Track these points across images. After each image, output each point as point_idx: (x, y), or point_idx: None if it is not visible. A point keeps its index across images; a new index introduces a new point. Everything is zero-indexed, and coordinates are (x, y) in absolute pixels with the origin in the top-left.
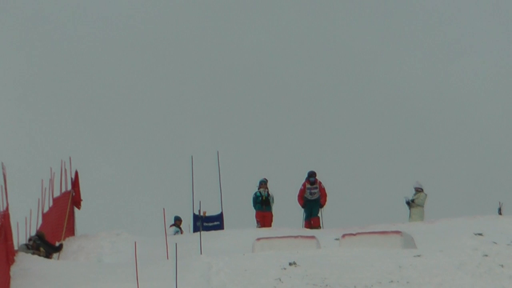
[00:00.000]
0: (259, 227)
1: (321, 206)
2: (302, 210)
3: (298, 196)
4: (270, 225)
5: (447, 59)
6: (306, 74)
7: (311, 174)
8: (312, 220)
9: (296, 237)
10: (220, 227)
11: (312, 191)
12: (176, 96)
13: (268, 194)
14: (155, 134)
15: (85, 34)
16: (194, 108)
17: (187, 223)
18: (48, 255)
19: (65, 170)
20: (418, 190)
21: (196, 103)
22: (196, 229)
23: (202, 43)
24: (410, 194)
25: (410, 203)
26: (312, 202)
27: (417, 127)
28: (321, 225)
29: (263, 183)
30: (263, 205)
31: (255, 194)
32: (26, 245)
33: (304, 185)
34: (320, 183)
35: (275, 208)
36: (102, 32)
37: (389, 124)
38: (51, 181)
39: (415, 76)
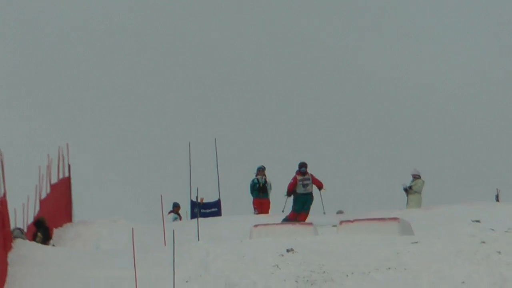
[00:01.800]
0: (256, 213)
1: (320, 189)
2: (287, 198)
3: (288, 189)
4: (267, 212)
5: (444, 50)
6: (302, 65)
7: (302, 165)
8: (301, 214)
9: (293, 223)
10: (218, 213)
11: (305, 182)
12: (173, 83)
13: (265, 181)
14: (152, 121)
15: (80, 26)
16: (192, 94)
17: (185, 209)
18: (44, 242)
19: (62, 156)
20: (416, 176)
21: (194, 90)
22: (193, 215)
23: (200, 33)
24: (407, 181)
25: (407, 190)
26: (306, 195)
27: (414, 114)
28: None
29: (261, 170)
30: (260, 192)
31: (252, 181)
32: (20, 229)
33: (295, 178)
34: (312, 175)
35: (272, 195)
36: (96, 24)
37: (387, 111)
38: (49, 167)
39: (412, 64)
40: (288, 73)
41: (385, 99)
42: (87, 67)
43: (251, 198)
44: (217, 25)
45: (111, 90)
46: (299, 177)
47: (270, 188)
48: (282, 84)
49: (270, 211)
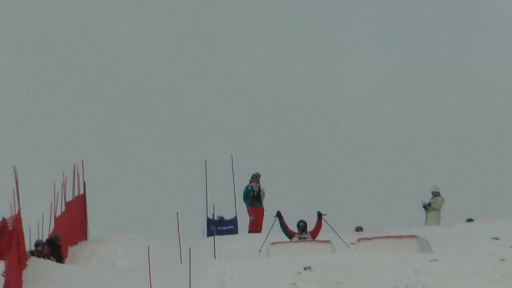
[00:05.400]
0: (253, 220)
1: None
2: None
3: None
4: (262, 220)
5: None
6: (312, 73)
7: (300, 221)
8: None
9: (311, 241)
10: (234, 231)
11: (302, 236)
12: (189, 100)
13: (259, 189)
14: (168, 138)
15: (95, 43)
16: (208, 111)
17: (201, 227)
18: (60, 260)
19: (78, 174)
20: (435, 194)
21: (210, 107)
22: (210, 233)
23: (213, 48)
24: (427, 198)
25: (426, 207)
26: None
27: (434, 131)
28: None
29: (255, 177)
30: (254, 200)
31: (246, 188)
32: (31, 252)
33: (294, 232)
34: (311, 232)
35: (267, 203)
36: (113, 36)
37: (406, 127)
38: (64, 185)
39: (424, 78)
40: (304, 90)
41: (402, 116)
42: (102, 84)
43: (244, 206)
44: (231, 45)
45: (127, 107)
46: (297, 232)
47: (264, 196)
48: (298, 102)
49: (264, 219)
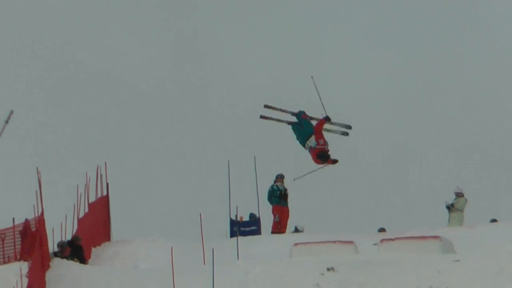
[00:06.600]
0: (277, 221)
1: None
2: None
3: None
4: (287, 221)
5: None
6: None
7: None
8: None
9: (334, 242)
10: (257, 232)
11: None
12: (213, 101)
13: (285, 189)
14: (192, 139)
15: (116, 43)
16: (231, 112)
17: (224, 228)
18: (82, 261)
19: (101, 175)
20: (459, 194)
21: (233, 108)
22: (233, 234)
23: (229, 54)
24: (450, 199)
25: (450, 208)
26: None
27: (457, 132)
28: None
29: (279, 177)
30: (281, 199)
31: (272, 187)
32: (54, 253)
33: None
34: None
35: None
36: (131, 40)
37: (429, 128)
38: (87, 186)
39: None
40: (327, 89)
41: (425, 118)
42: (124, 86)
43: (269, 206)
44: (245, 46)
45: (149, 109)
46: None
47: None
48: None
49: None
